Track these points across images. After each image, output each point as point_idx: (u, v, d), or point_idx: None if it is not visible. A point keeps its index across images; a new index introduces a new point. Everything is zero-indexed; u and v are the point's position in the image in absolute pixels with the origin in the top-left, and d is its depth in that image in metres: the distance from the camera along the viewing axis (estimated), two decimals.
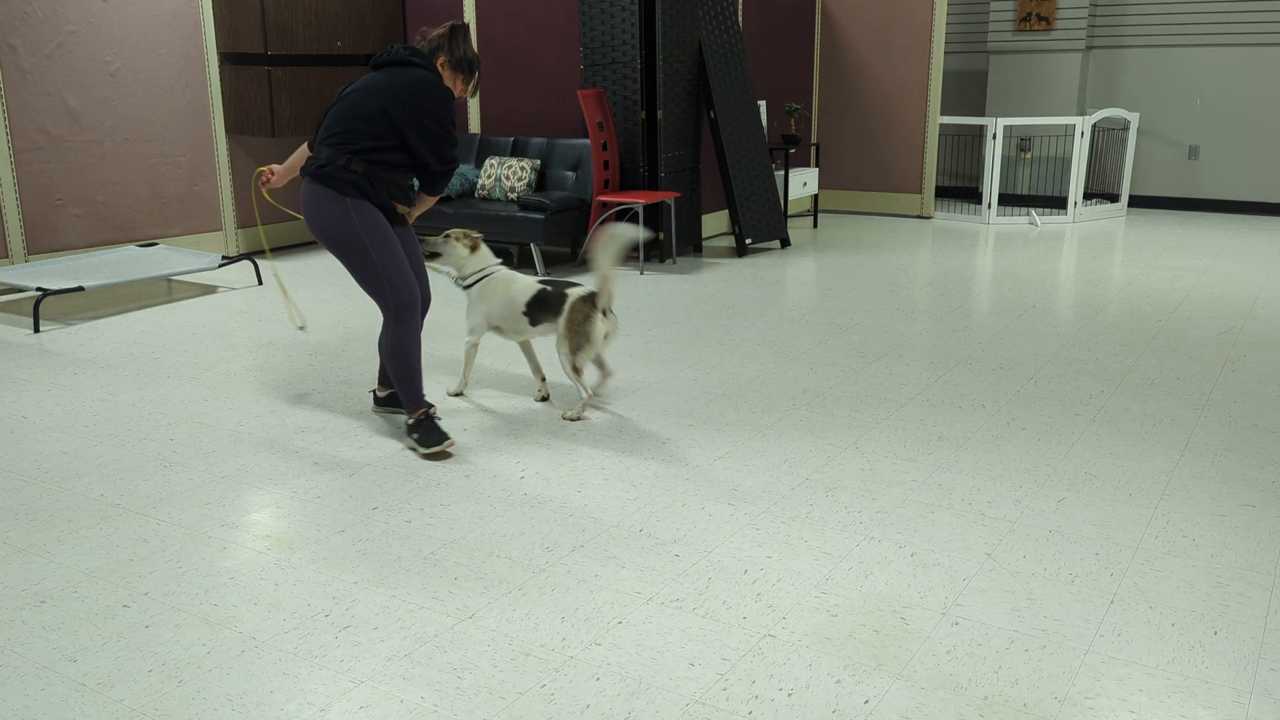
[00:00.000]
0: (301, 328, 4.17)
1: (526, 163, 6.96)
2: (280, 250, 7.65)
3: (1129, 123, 8.93)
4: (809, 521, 3.06)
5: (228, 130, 7.25)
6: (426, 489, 3.31)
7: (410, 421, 3.60)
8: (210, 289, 6.32)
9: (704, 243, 7.78)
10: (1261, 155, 8.92)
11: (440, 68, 3.58)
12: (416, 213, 3.83)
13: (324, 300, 5.97)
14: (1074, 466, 3.47)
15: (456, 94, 3.63)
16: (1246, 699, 2.20)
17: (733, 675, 2.29)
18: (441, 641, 2.43)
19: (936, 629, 2.47)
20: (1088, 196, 9.53)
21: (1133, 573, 2.74)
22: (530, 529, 3.02)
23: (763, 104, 7.91)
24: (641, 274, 6.62)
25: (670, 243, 6.95)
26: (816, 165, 8.65)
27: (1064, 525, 3.02)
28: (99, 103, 6.57)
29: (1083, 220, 8.80)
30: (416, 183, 3.70)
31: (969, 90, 9.98)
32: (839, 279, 6.50)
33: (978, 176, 9.94)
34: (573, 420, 3.91)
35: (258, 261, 6.85)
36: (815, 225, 8.62)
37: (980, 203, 9.08)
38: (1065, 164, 9.36)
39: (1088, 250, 7.44)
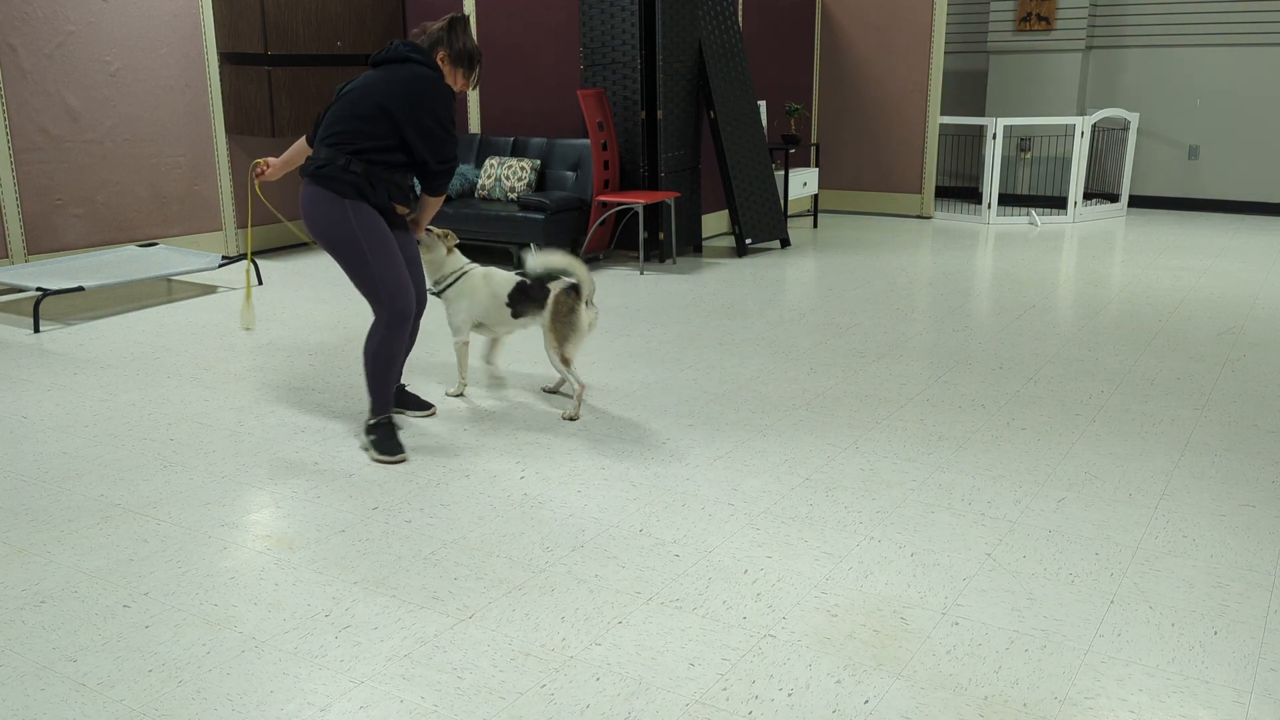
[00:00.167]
0: (248, 329, 4.21)
1: (526, 163, 6.96)
2: (280, 250, 7.65)
3: (1129, 123, 8.93)
4: (809, 521, 3.06)
5: (228, 130, 7.25)
6: (426, 489, 3.30)
7: (371, 422, 3.60)
8: (210, 289, 6.32)
9: (704, 243, 7.78)
10: (1261, 155, 8.92)
11: (440, 62, 3.54)
12: (424, 220, 3.81)
13: (324, 300, 5.97)
14: (1074, 466, 3.47)
15: (458, 88, 3.60)
16: (1246, 699, 2.20)
17: (733, 675, 2.29)
18: (441, 641, 2.43)
19: (936, 629, 2.47)
20: (1088, 196, 9.53)
21: (1133, 573, 2.74)
22: (530, 529, 3.02)
23: (763, 104, 7.91)
24: (641, 274, 6.62)
25: (670, 243, 6.95)
26: (816, 165, 8.64)
27: (1064, 525, 3.02)
28: (99, 103, 6.57)
29: (1083, 220, 8.80)
30: (419, 185, 3.68)
31: (969, 90, 9.98)
32: (839, 279, 6.50)
33: (978, 176, 9.94)
34: (572, 420, 3.92)
35: (253, 260, 6.85)
36: (815, 225, 8.62)
37: (980, 203, 9.08)
38: (1065, 164, 9.36)
39: (1088, 250, 7.44)
